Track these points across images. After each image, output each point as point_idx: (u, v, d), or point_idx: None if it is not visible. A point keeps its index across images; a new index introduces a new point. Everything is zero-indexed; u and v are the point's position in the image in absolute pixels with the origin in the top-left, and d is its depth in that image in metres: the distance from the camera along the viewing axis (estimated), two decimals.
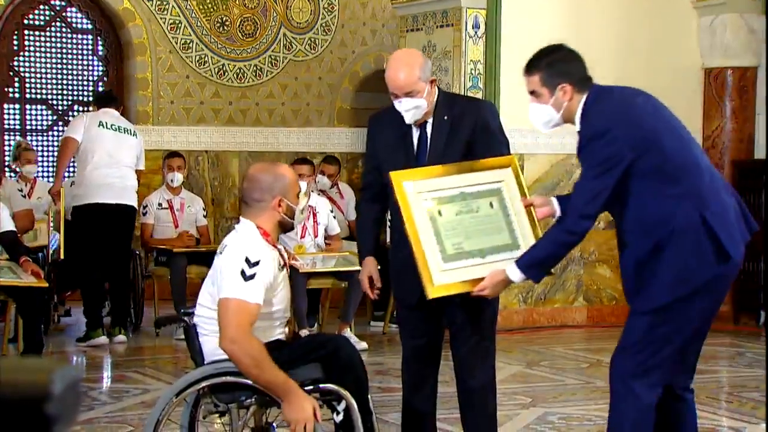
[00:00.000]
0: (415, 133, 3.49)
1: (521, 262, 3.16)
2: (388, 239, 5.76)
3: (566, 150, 7.43)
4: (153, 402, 5.04)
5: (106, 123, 6.72)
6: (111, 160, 6.63)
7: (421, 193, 3.30)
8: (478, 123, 3.45)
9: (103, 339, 6.59)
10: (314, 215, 6.85)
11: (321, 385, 3.14)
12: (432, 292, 3.23)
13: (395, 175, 3.32)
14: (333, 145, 9.13)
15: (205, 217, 7.50)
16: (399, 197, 3.27)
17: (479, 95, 7.12)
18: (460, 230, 3.31)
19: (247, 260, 3.07)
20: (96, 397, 5.13)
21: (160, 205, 7.29)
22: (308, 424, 2.96)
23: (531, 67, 3.17)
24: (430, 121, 3.47)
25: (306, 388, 3.08)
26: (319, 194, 7.22)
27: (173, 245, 7.09)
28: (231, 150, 9.06)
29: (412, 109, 3.40)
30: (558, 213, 3.30)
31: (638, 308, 3.05)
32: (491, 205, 3.37)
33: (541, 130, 3.25)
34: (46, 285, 6.01)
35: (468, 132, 3.43)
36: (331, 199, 7.43)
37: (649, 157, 2.99)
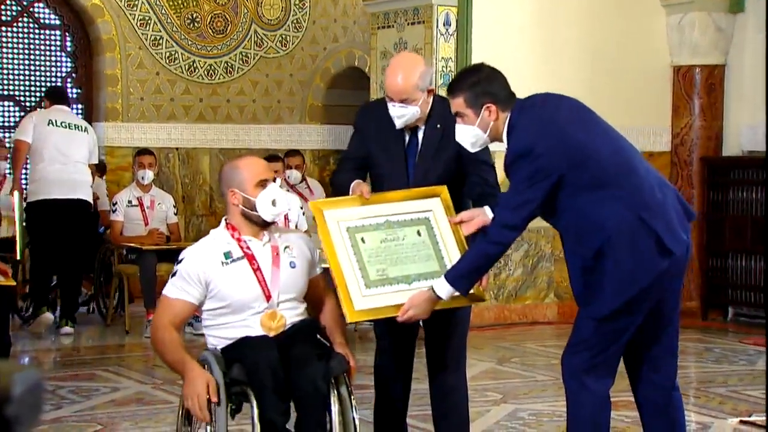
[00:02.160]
0: (407, 136, 3.47)
1: (449, 275, 3.16)
2: None
3: None
4: (123, 400, 5.03)
5: (56, 121, 6.87)
6: (62, 157, 6.78)
7: (342, 222, 3.29)
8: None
9: (48, 315, 6.80)
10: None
11: (237, 386, 3.10)
12: (351, 317, 3.21)
13: (315, 204, 3.32)
14: (304, 142, 9.11)
15: (175, 214, 7.46)
16: (318, 225, 3.26)
17: None
18: (385, 257, 3.30)
19: (177, 260, 3.25)
20: (65, 396, 5.09)
21: (130, 202, 7.24)
22: (197, 399, 3.00)
23: (454, 90, 3.17)
24: (423, 127, 3.45)
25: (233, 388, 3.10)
26: (288, 190, 7.20)
27: (143, 243, 7.05)
28: (201, 147, 9.02)
29: (404, 116, 3.38)
30: (490, 218, 3.29)
31: (587, 314, 3.08)
32: (418, 233, 3.36)
33: (469, 150, 3.24)
34: (14, 283, 5.94)
35: (455, 144, 3.36)
36: (300, 195, 7.41)
37: (583, 169, 3.00)
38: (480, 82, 3.13)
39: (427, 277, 3.30)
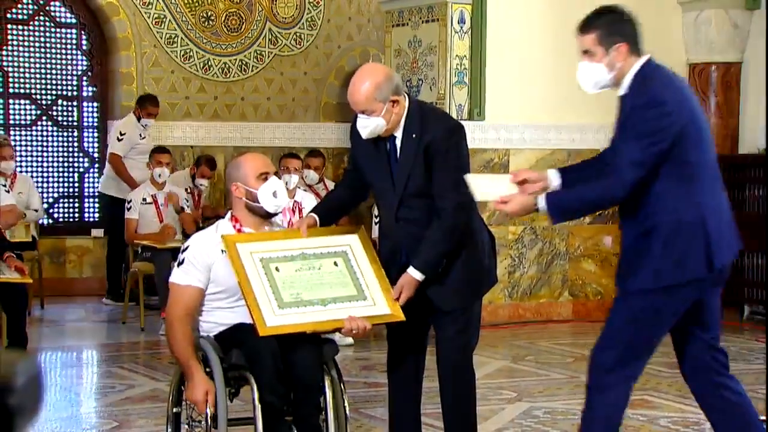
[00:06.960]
0: (389, 146, 3.45)
1: (555, 210, 3.10)
2: (376, 233, 5.77)
3: (551, 145, 7.44)
4: (138, 398, 5.05)
5: None
6: None
7: (255, 253, 3.33)
8: (431, 150, 3.36)
9: None
10: (300, 211, 6.83)
11: (235, 371, 3.27)
12: (263, 332, 3.21)
13: (228, 238, 3.34)
14: (319, 140, 9.12)
15: (188, 204, 7.52)
16: (230, 256, 3.30)
17: (464, 90, 7.12)
18: (299, 283, 3.34)
19: (183, 249, 3.41)
20: (81, 393, 5.11)
21: (144, 200, 7.28)
22: (198, 406, 3.21)
23: (586, 27, 3.15)
24: (399, 135, 3.42)
25: (231, 372, 3.27)
26: (306, 190, 7.20)
27: (157, 241, 7.07)
28: (216, 145, 9.03)
29: (366, 127, 3.37)
30: (554, 185, 3.29)
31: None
32: (335, 264, 3.42)
33: (588, 91, 3.20)
34: (31, 281, 5.98)
35: (427, 156, 3.35)
36: (318, 195, 7.40)
37: (679, 149, 3.00)
38: (614, 22, 3.14)
39: (343, 300, 3.35)
